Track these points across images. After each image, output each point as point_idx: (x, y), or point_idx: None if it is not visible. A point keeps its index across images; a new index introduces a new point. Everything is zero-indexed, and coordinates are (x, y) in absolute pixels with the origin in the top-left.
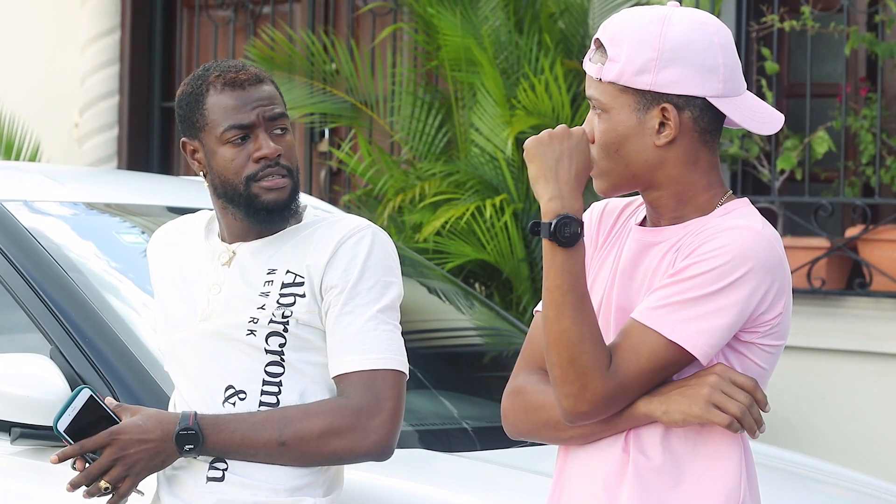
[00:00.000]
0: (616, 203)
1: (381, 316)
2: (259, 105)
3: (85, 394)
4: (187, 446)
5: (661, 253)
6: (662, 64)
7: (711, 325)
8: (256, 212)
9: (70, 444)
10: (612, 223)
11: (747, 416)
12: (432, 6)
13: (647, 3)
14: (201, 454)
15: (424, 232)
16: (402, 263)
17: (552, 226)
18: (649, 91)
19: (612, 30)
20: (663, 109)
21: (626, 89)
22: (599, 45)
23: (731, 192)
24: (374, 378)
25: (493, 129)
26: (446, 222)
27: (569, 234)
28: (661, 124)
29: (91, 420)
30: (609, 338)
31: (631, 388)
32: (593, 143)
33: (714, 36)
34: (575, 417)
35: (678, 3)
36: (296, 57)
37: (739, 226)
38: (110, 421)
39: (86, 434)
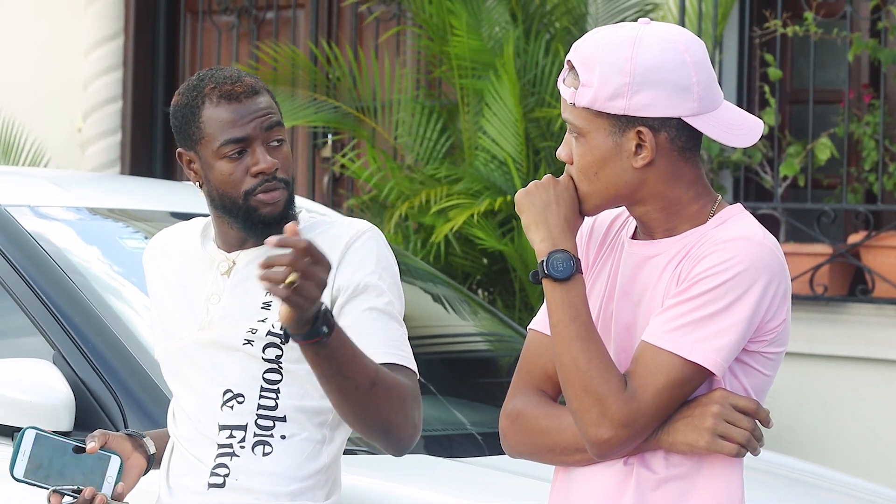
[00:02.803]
0: (605, 216)
1: (399, 319)
2: (255, 117)
3: (30, 434)
4: (324, 328)
5: (660, 267)
6: (635, 88)
7: (726, 342)
8: (254, 224)
9: (40, 487)
10: (602, 237)
11: (752, 441)
12: (445, 5)
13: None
14: (323, 343)
15: (438, 235)
16: (406, 270)
17: (544, 263)
18: (624, 115)
19: (584, 53)
20: (639, 132)
21: (601, 113)
22: (572, 67)
23: (720, 197)
24: (411, 377)
25: (503, 134)
26: (453, 227)
27: (561, 267)
28: (638, 146)
29: (57, 455)
30: (611, 354)
31: (650, 411)
32: (572, 164)
33: (685, 54)
34: (601, 447)
35: (649, 21)
36: (298, 62)
37: (740, 236)
38: (77, 448)
39: (62, 470)
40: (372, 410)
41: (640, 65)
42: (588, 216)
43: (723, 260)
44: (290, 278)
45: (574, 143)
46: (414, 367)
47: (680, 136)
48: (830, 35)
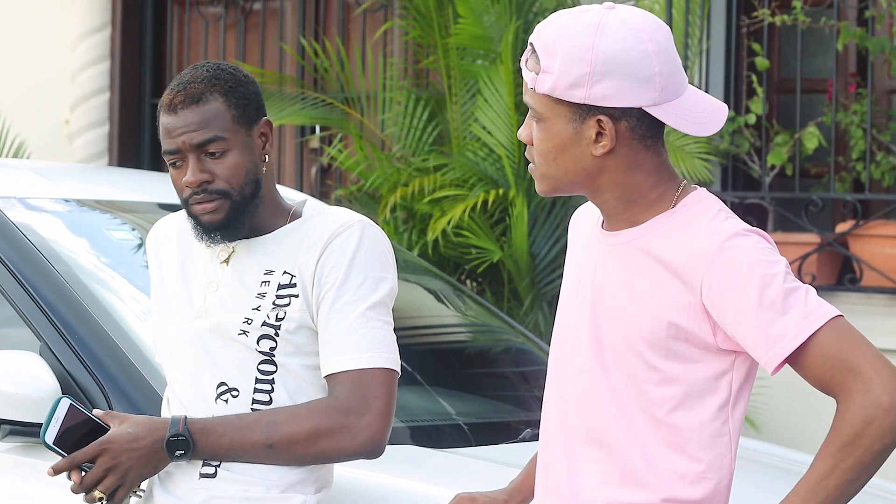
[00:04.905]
0: (584, 209)
1: (371, 313)
2: (185, 132)
3: (65, 403)
4: (178, 452)
5: (635, 259)
6: (596, 78)
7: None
8: (201, 230)
9: (63, 455)
10: (580, 227)
11: None
12: None
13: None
14: (192, 459)
15: (436, 228)
16: (397, 258)
17: None
18: (584, 104)
19: (546, 38)
20: (599, 121)
21: (561, 100)
22: (534, 51)
23: (684, 182)
24: (363, 377)
25: (496, 124)
26: (450, 221)
27: None
28: (599, 134)
29: (80, 429)
30: (585, 341)
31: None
32: (532, 145)
33: (649, 44)
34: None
35: (613, 5)
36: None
37: (733, 232)
38: (99, 428)
39: (78, 444)
40: (292, 459)
41: (602, 54)
42: (542, 195)
43: (742, 256)
44: (96, 495)
45: (535, 126)
46: (384, 363)
47: (641, 125)
48: (818, 24)
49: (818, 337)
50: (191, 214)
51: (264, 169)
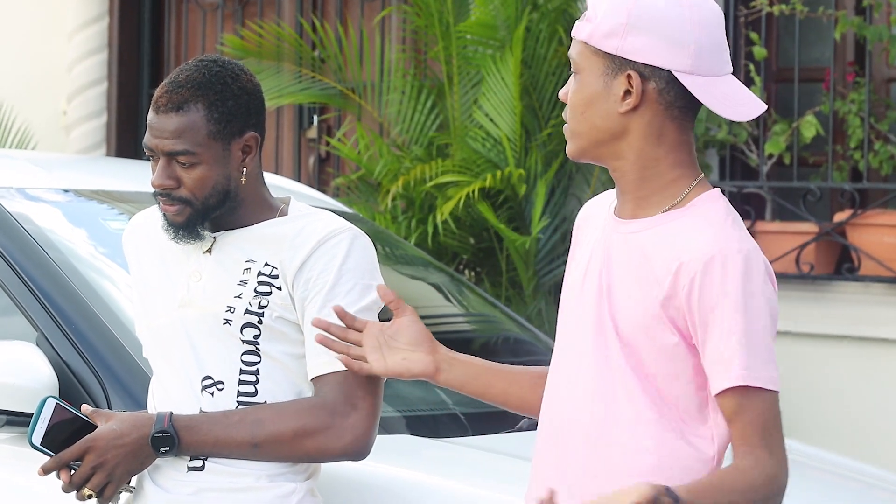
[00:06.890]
0: (593, 201)
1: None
2: (161, 137)
3: (51, 403)
4: (163, 448)
5: (639, 251)
6: (630, 30)
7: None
8: (166, 224)
9: (51, 455)
10: (588, 219)
11: None
12: None
13: None
14: (177, 455)
15: (444, 211)
16: (392, 255)
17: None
18: (617, 56)
19: None
20: (628, 76)
21: (598, 52)
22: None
23: (701, 176)
24: (349, 378)
25: (499, 111)
26: (459, 203)
27: None
28: (627, 93)
29: (68, 428)
30: (610, 323)
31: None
32: (567, 102)
33: (690, 10)
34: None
35: None
36: (284, 37)
37: (731, 250)
38: (87, 426)
39: (68, 443)
40: (277, 458)
41: (641, 9)
42: (572, 159)
43: (728, 277)
44: (85, 492)
45: (571, 82)
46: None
47: (669, 91)
48: (816, 13)
49: (771, 395)
50: (159, 207)
51: (243, 180)
